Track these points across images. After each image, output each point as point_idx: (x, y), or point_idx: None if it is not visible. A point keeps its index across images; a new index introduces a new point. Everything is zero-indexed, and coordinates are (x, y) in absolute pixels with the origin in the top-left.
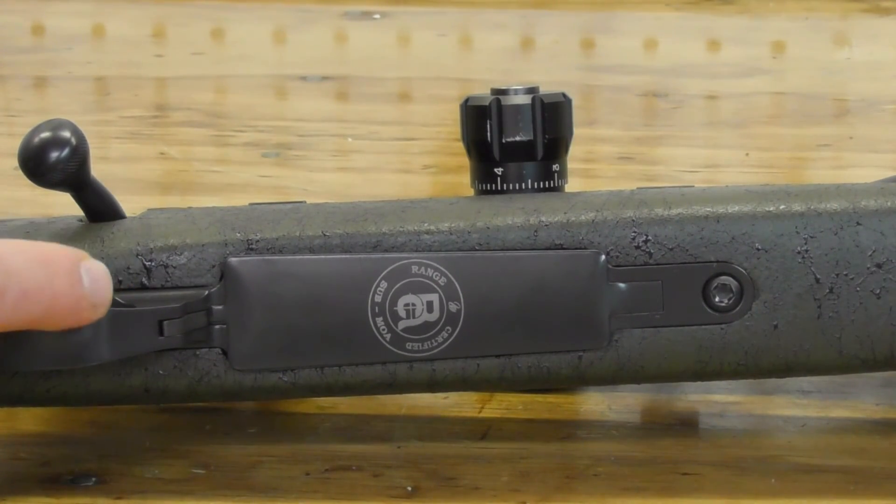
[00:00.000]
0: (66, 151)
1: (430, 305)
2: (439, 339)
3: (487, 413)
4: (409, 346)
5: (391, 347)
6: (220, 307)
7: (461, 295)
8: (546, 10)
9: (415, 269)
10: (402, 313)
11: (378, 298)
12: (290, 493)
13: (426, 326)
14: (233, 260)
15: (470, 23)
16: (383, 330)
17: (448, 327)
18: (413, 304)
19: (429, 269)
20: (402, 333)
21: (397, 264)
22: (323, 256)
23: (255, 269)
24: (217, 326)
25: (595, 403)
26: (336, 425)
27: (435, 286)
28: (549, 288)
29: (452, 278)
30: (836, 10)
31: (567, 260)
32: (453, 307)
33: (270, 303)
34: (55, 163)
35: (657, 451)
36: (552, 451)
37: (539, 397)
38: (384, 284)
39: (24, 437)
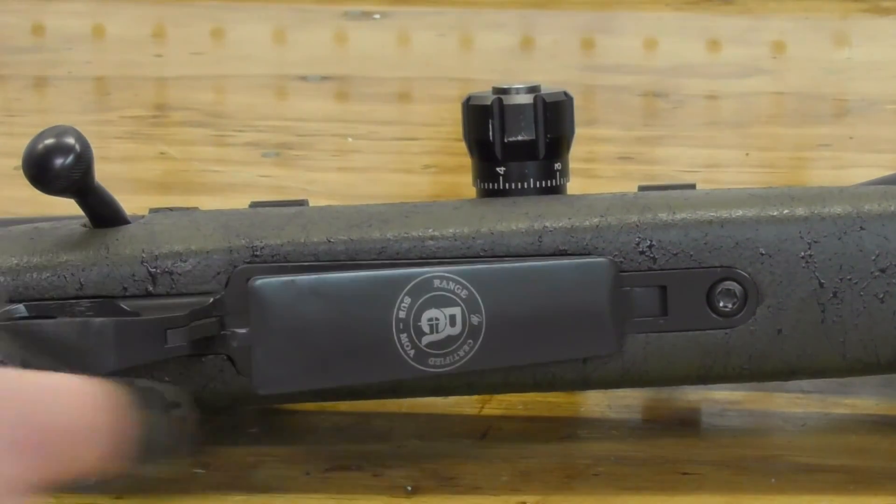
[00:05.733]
0: (70, 158)
1: (452, 319)
2: (461, 352)
3: (487, 413)
4: (431, 361)
5: (414, 364)
6: (228, 315)
7: (482, 307)
8: (546, 10)
9: (437, 282)
10: (426, 328)
11: (402, 314)
12: (290, 492)
13: (449, 341)
14: (257, 282)
15: (470, 23)
16: (407, 346)
17: (470, 340)
18: (437, 319)
19: (450, 283)
20: (425, 349)
21: (419, 279)
22: (345, 274)
23: (279, 289)
24: (223, 332)
25: (595, 403)
26: (336, 425)
27: (457, 299)
28: (555, 295)
29: (474, 291)
30: (836, 10)
31: (571, 266)
32: (475, 320)
33: (294, 324)
34: (60, 170)
35: (657, 451)
36: (552, 450)
37: (539, 396)
38: (408, 300)
39: None
